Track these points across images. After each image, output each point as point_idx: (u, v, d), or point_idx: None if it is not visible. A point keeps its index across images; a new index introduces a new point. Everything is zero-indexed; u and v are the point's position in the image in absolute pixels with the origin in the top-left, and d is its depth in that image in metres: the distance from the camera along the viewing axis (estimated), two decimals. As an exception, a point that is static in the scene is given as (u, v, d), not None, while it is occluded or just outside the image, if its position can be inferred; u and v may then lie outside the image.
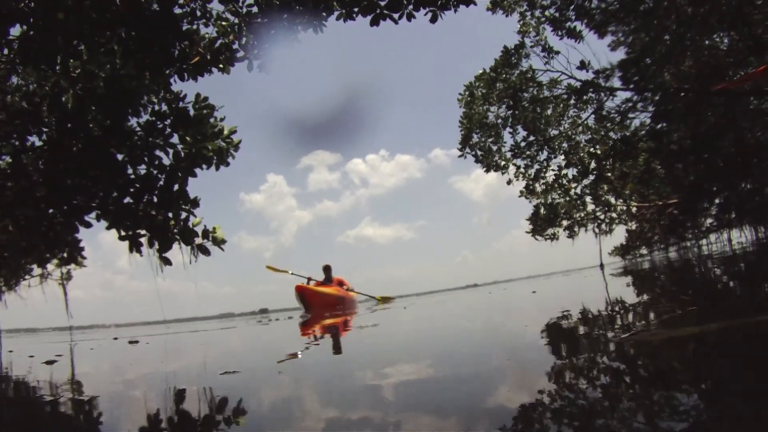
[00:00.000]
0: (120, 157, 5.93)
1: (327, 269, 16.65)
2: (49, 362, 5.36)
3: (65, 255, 6.91)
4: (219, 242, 6.29)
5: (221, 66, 6.27)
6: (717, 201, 20.00)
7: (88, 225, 5.95)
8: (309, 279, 15.82)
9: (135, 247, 6.01)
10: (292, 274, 16.26)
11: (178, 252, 6.28)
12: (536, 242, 17.03)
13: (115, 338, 10.08)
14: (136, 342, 7.84)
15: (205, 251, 6.24)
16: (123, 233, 5.98)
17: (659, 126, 15.45)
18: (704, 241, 25.34)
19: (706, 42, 13.85)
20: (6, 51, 5.68)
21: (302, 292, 14.58)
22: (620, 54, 14.86)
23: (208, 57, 6.18)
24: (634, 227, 22.80)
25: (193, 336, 8.94)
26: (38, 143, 5.99)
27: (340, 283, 16.45)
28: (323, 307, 14.27)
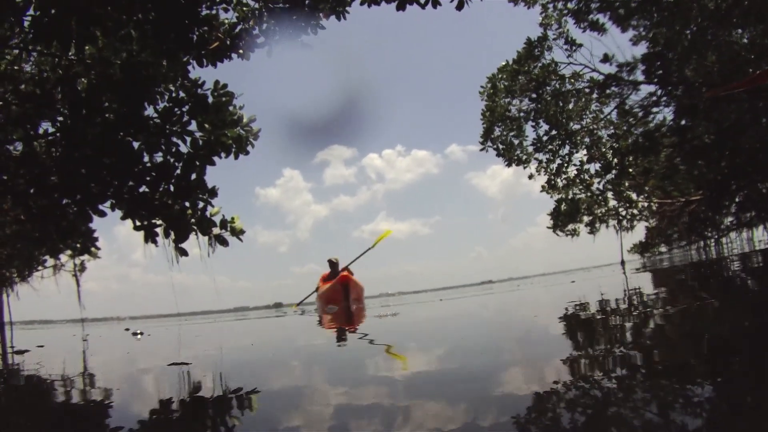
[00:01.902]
0: (136, 144, 5.74)
1: (334, 264, 15.29)
2: (20, 352, 5.35)
3: (78, 245, 6.77)
4: (237, 232, 6.10)
5: (241, 52, 6.10)
6: (737, 199, 19.69)
7: (103, 214, 5.76)
8: (313, 292, 15.34)
9: (150, 237, 5.83)
10: (303, 300, 16.02)
11: (194, 245, 6.12)
12: (551, 240, 16.85)
13: (127, 329, 10.01)
14: (140, 334, 7.79)
15: (223, 242, 6.06)
16: (138, 223, 5.80)
17: (682, 122, 15.18)
18: (725, 240, 24.99)
19: (727, 38, 13.52)
20: (18, 33, 5.52)
21: (347, 283, 12.95)
22: (642, 48, 14.64)
23: (228, 43, 6.01)
24: (653, 224, 22.52)
25: (223, 328, 8.82)
26: (51, 130, 5.82)
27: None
28: (357, 299, 13.24)
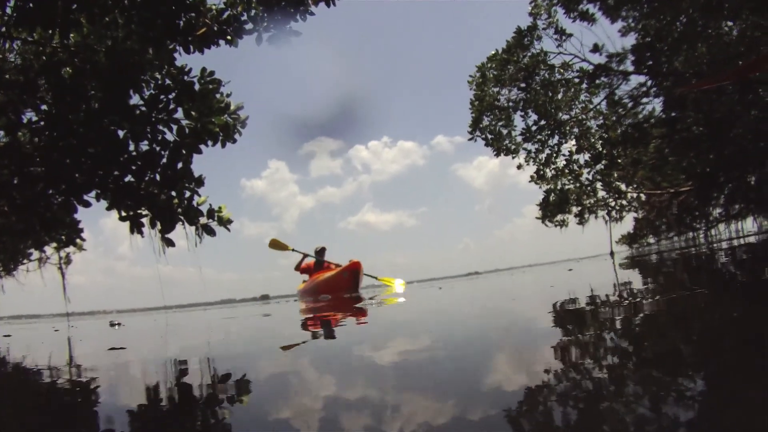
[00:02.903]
0: (121, 133, 5.63)
1: (322, 252, 15.15)
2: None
3: (64, 237, 6.67)
4: (225, 222, 6.02)
5: (229, 38, 5.98)
6: (726, 191, 19.76)
7: (87, 204, 5.66)
8: (305, 255, 15.18)
9: (136, 227, 5.73)
10: (293, 250, 15.49)
11: (180, 236, 6.03)
12: (538, 231, 16.95)
13: (112, 322, 9.98)
14: (118, 324, 7.79)
15: (210, 231, 5.97)
16: (124, 213, 5.70)
17: (672, 113, 15.20)
18: (713, 231, 25.10)
19: (717, 30, 13.51)
20: (1, 17, 5.40)
21: (357, 270, 12.89)
22: (631, 40, 14.66)
23: (215, 29, 5.90)
24: (641, 215, 22.59)
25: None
26: (35, 119, 5.69)
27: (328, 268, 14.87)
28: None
